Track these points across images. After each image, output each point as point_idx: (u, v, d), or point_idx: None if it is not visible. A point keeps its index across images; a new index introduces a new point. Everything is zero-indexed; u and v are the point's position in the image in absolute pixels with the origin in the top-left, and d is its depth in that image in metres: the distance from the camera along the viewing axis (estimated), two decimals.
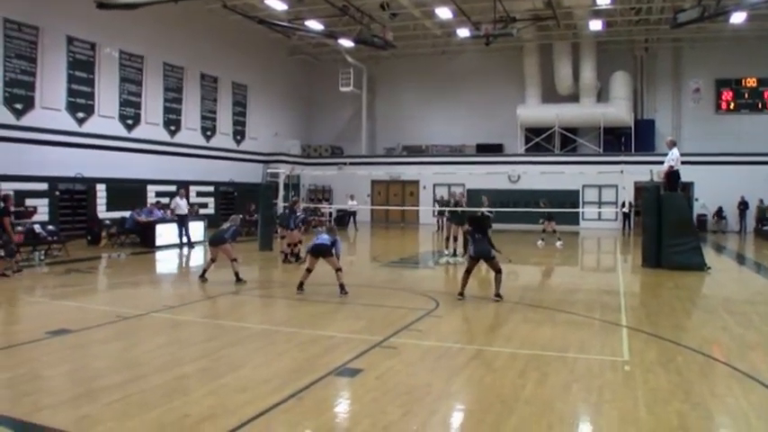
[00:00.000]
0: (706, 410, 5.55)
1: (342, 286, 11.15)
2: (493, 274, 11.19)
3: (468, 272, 11.19)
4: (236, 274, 12.64)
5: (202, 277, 12.94)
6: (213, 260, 13.09)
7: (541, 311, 10.06)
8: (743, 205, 29.88)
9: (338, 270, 11.23)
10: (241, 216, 15.53)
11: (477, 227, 11.40)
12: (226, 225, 13.22)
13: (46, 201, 20.95)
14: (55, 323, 8.64)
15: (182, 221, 20.52)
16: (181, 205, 20.68)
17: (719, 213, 30.80)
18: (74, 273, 14.43)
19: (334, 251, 11.32)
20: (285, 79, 37.10)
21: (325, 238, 11.42)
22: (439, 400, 5.85)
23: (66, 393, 5.89)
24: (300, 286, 11.39)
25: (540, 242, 21.55)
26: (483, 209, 18.94)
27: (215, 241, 12.95)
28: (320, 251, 11.23)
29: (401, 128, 37.92)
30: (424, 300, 11.02)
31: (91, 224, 21.19)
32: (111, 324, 8.79)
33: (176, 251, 19.53)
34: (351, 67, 36.61)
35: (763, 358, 7.45)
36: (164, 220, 20.75)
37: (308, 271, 11.40)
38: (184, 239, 20.37)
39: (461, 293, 11.02)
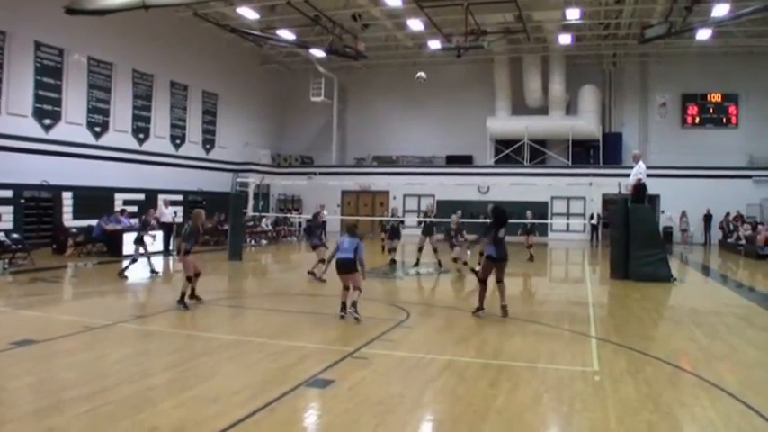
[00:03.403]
0: (675, 420, 5.63)
1: (354, 304, 9.79)
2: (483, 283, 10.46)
3: (484, 281, 10.42)
4: (182, 294, 10.83)
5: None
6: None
7: (511, 322, 10.10)
8: (708, 218, 30.41)
9: (357, 289, 9.94)
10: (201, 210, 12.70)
11: (503, 223, 10.30)
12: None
13: (11, 208, 20.51)
14: (19, 333, 8.44)
15: (166, 229, 20.32)
16: (165, 213, 20.49)
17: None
18: (39, 282, 14.14)
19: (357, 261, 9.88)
20: (256, 88, 36.94)
21: (346, 247, 9.85)
22: (411, 410, 5.84)
23: (31, 405, 5.76)
24: (343, 307, 10.04)
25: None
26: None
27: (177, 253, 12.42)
28: (343, 268, 9.89)
29: (372, 138, 38.01)
30: (394, 310, 11.01)
31: (57, 232, 20.78)
32: (77, 334, 8.61)
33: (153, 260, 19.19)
34: (322, 76, 36.63)
35: (730, 368, 7.57)
36: (131, 229, 20.44)
37: (346, 288, 10.07)
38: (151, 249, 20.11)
39: (481, 308, 10.45)
